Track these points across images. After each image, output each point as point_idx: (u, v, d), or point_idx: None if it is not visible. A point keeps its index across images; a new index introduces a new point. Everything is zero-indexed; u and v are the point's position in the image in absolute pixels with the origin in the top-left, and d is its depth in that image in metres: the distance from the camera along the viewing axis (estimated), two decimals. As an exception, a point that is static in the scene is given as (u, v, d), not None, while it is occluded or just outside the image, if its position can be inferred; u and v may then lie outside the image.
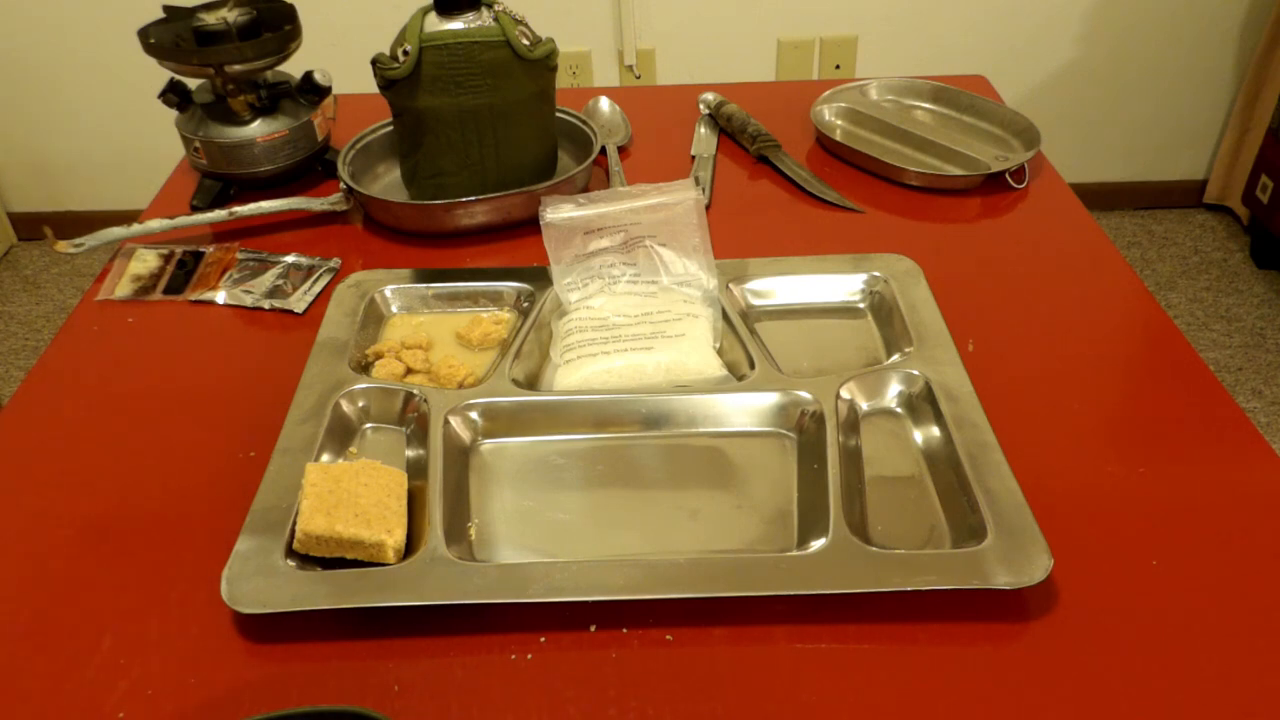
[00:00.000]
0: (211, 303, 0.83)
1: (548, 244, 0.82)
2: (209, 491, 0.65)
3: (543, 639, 0.55)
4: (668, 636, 0.55)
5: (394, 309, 0.81)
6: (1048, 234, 0.90)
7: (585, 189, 0.95)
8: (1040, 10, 2.11)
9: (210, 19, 0.91)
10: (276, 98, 0.95)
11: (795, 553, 0.60)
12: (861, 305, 0.81)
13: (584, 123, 0.99)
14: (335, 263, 0.87)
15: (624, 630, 0.56)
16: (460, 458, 0.67)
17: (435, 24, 0.86)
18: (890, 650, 0.54)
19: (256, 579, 0.57)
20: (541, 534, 0.62)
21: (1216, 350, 1.98)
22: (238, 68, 0.90)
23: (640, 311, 0.76)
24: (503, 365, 0.72)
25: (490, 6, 0.87)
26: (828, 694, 0.52)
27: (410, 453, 0.68)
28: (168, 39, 0.92)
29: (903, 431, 0.69)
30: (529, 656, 0.55)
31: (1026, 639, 0.55)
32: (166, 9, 0.94)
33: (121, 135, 2.24)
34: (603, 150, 1.01)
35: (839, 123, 1.09)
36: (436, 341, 0.78)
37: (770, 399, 0.69)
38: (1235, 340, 2.01)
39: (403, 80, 0.86)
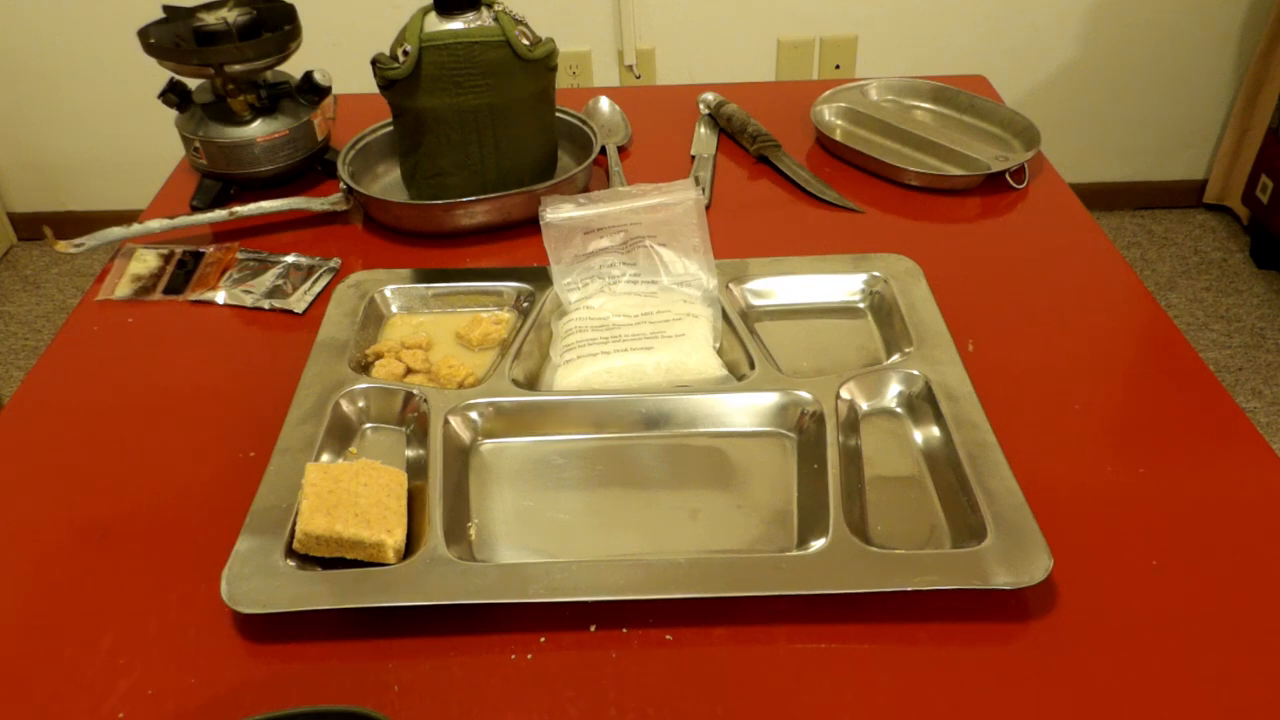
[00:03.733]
0: (211, 303, 0.83)
1: (548, 244, 0.82)
2: (209, 491, 0.65)
3: (543, 639, 0.55)
4: (668, 636, 0.55)
5: (394, 309, 0.81)
6: (1048, 234, 0.90)
7: (585, 189, 0.95)
8: (1040, 10, 2.11)
9: (210, 19, 0.91)
10: (276, 98, 0.95)
11: (795, 553, 0.60)
12: (861, 305, 0.81)
13: (584, 123, 0.99)
14: (335, 263, 0.87)
15: (624, 630, 0.56)
16: (460, 458, 0.67)
17: (435, 24, 0.86)
18: (890, 650, 0.54)
19: (256, 579, 0.56)
20: (541, 534, 0.62)
21: (1216, 350, 1.98)
22: (238, 68, 0.90)
23: (640, 311, 0.76)
24: (503, 365, 0.72)
25: (490, 6, 0.87)
26: (828, 694, 0.52)
27: (410, 453, 0.68)
28: (168, 39, 0.92)
29: (903, 431, 0.69)
30: (529, 656, 0.55)
31: (1026, 639, 0.55)
32: (166, 9, 0.94)
33: (121, 135, 2.24)
34: (603, 150, 1.01)
35: (839, 123, 1.09)
36: (436, 341, 0.78)
37: (770, 399, 0.69)
38: (1235, 340, 2.01)
39: (403, 80, 0.86)
